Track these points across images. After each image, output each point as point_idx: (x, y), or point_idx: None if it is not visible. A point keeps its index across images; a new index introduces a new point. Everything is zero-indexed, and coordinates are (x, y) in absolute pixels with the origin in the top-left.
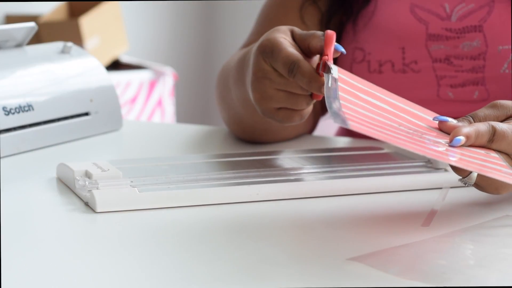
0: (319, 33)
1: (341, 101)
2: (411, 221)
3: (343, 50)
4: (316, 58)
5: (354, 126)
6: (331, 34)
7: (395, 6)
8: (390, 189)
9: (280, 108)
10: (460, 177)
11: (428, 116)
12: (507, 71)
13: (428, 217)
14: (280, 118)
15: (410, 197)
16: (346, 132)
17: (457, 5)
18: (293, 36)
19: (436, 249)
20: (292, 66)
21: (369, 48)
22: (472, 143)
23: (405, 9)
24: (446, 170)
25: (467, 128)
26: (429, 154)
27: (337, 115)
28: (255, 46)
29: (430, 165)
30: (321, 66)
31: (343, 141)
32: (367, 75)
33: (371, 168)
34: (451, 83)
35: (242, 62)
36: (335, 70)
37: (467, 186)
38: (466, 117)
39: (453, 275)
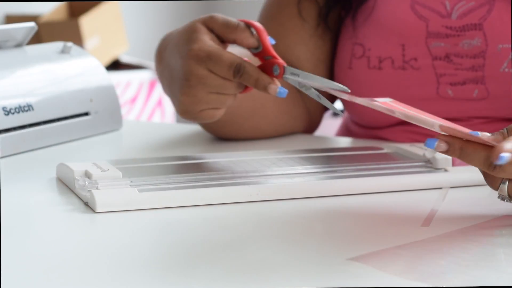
0: (243, 26)
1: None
2: (411, 221)
3: (274, 41)
4: (230, 47)
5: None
6: (263, 28)
7: (395, 2)
8: (390, 189)
9: (202, 110)
10: (498, 195)
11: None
12: (506, 70)
13: (428, 217)
14: (203, 117)
15: (410, 197)
16: (346, 132)
17: (457, 2)
18: (210, 29)
19: (436, 249)
20: (238, 68)
21: (368, 44)
22: None
23: (405, 5)
24: (446, 170)
25: (508, 144)
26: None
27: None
28: (174, 50)
29: (430, 165)
30: (281, 69)
31: (343, 141)
32: (366, 71)
33: (371, 168)
34: (451, 81)
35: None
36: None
37: (506, 201)
38: (501, 131)
39: (453, 275)
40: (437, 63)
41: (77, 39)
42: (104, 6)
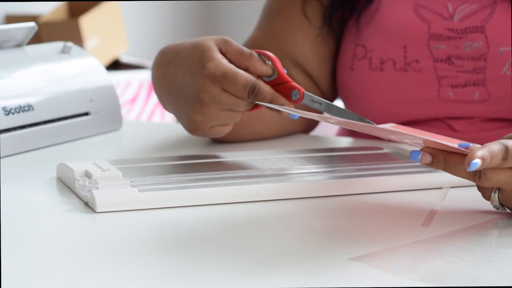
0: (256, 55)
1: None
2: (411, 221)
3: (286, 70)
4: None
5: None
6: (276, 57)
7: (398, 4)
8: (390, 189)
9: (212, 126)
10: (492, 206)
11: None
12: (507, 73)
13: (428, 217)
14: (213, 134)
15: (410, 197)
16: (346, 132)
17: (460, 5)
18: (223, 52)
19: (436, 249)
20: (253, 87)
21: (371, 46)
22: (488, 165)
23: (408, 8)
24: None
25: (480, 151)
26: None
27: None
28: (183, 67)
29: None
30: (300, 95)
31: (343, 141)
32: (368, 72)
33: (371, 168)
34: (452, 83)
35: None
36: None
37: (501, 210)
38: (499, 141)
39: (453, 275)
40: (439, 65)
41: (77, 39)
42: (104, 6)
